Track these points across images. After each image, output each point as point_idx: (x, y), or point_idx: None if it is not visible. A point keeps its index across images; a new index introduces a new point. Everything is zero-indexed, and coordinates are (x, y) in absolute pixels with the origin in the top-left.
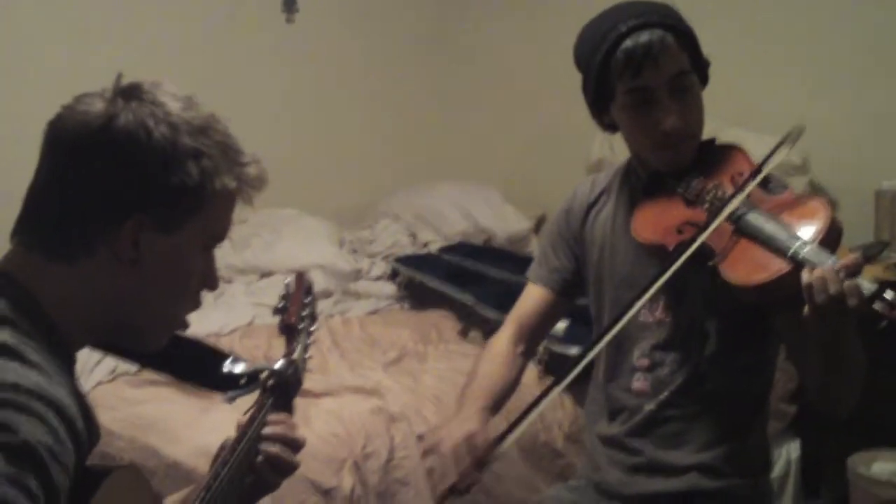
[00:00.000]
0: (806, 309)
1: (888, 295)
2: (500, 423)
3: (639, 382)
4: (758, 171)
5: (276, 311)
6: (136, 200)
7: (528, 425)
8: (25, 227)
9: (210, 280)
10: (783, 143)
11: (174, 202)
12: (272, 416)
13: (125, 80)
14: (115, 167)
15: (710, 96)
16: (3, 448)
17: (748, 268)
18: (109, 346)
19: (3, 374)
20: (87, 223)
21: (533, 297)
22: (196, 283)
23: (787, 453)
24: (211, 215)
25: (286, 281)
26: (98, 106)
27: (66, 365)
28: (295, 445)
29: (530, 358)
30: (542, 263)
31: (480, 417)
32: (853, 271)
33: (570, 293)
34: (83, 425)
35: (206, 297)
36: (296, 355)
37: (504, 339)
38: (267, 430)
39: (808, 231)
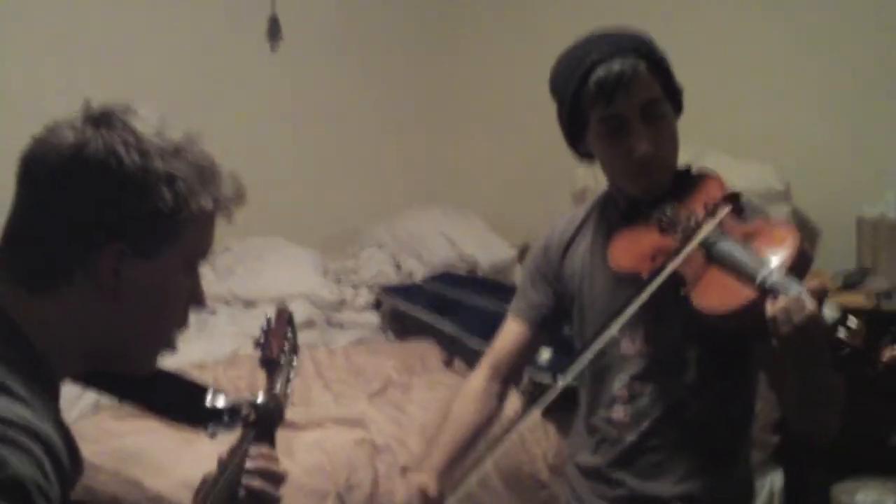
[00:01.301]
0: (773, 339)
1: (851, 323)
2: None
3: (619, 413)
4: (730, 197)
5: (258, 345)
6: (111, 228)
7: (476, 475)
8: (5, 258)
9: (196, 297)
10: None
11: (151, 228)
12: (254, 450)
13: (96, 106)
14: (87, 196)
15: (691, 121)
16: None
17: (717, 295)
18: (93, 376)
19: None
20: (63, 254)
21: (512, 331)
22: (182, 302)
23: (771, 483)
24: (190, 237)
25: (267, 315)
26: (68, 134)
27: (51, 397)
28: (277, 479)
29: (507, 393)
30: (522, 298)
31: (437, 473)
32: (818, 297)
33: (547, 327)
34: (67, 459)
35: (191, 324)
36: (277, 389)
37: (480, 377)
38: (249, 464)
39: (776, 258)
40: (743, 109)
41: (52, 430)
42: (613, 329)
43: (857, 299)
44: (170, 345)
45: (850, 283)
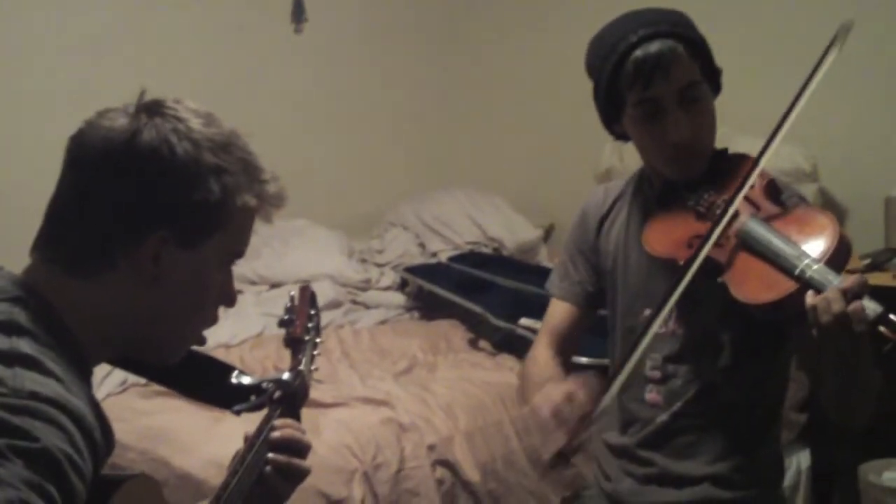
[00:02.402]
0: (813, 330)
1: (893, 317)
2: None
3: (651, 394)
4: (768, 184)
5: (282, 323)
6: (159, 216)
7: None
8: (46, 240)
9: (228, 296)
10: (832, 45)
11: (196, 218)
12: (279, 422)
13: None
14: (139, 183)
15: (719, 104)
16: (23, 454)
17: (755, 286)
18: (122, 359)
19: (22, 382)
20: (108, 238)
21: (559, 311)
22: (214, 298)
23: (798, 463)
24: (231, 232)
25: (291, 293)
26: (121, 121)
27: (84, 377)
28: (303, 449)
29: (568, 368)
30: (564, 278)
31: (571, 379)
32: (858, 293)
33: (593, 304)
34: (100, 435)
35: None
36: (302, 367)
37: (542, 349)
38: (274, 435)
39: (815, 249)
40: (770, 90)
41: (85, 406)
42: (659, 320)
43: (885, 279)
44: (199, 340)
45: (878, 262)
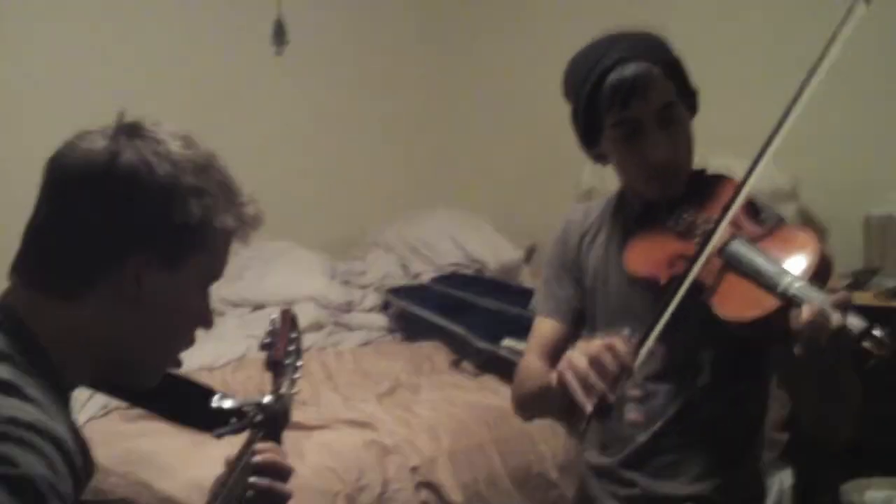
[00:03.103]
0: (796, 347)
1: (877, 332)
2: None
3: (632, 413)
4: (747, 204)
5: (263, 346)
6: (139, 238)
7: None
8: (25, 262)
9: (205, 318)
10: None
11: (176, 240)
12: (260, 446)
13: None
14: (119, 204)
15: (697, 122)
16: (4, 480)
17: (739, 304)
18: (103, 383)
19: (2, 408)
20: (88, 260)
21: (546, 328)
22: (192, 321)
23: (780, 482)
24: (210, 254)
25: (272, 317)
26: (100, 143)
27: (63, 401)
28: (284, 473)
29: None
30: (549, 296)
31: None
32: (842, 308)
33: (579, 322)
34: (80, 460)
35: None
36: (284, 390)
37: (533, 359)
38: (256, 459)
39: (797, 266)
40: (749, 109)
41: (65, 431)
42: (650, 345)
43: (866, 298)
44: (176, 362)
45: (859, 282)
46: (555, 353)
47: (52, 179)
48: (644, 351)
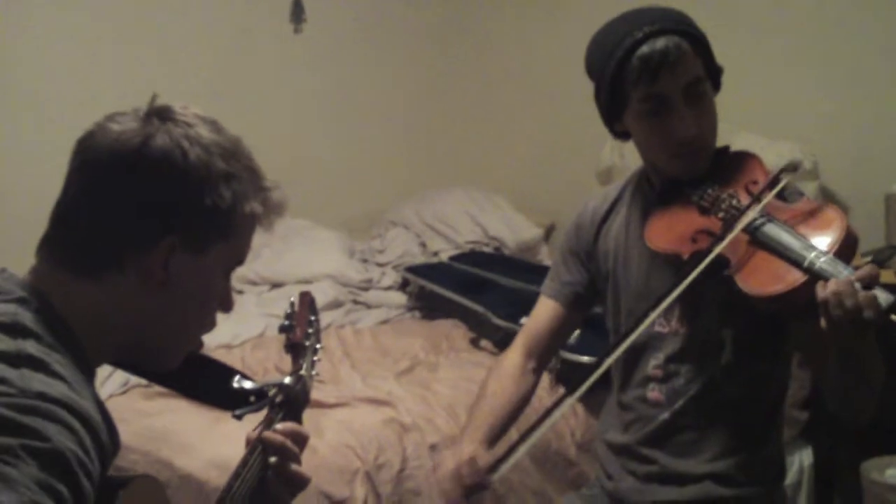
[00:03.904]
0: (822, 321)
1: None
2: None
3: (653, 392)
4: (774, 181)
5: (282, 329)
6: (170, 221)
7: (527, 448)
8: (53, 242)
9: (226, 302)
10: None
11: (206, 224)
12: (280, 426)
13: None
14: (151, 187)
15: (719, 100)
16: (36, 454)
17: (764, 278)
18: (123, 362)
19: (30, 382)
20: (118, 241)
21: (545, 310)
22: (215, 304)
23: (800, 460)
24: (236, 238)
25: (291, 299)
26: (132, 125)
27: (88, 378)
28: (301, 439)
29: (542, 372)
30: (555, 278)
31: (481, 442)
32: (869, 283)
33: (581, 307)
34: (107, 436)
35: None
36: (303, 372)
37: (515, 354)
38: (276, 439)
39: (823, 242)
40: (771, 87)
41: (92, 407)
42: (657, 313)
43: (887, 276)
44: (197, 344)
45: (879, 260)
46: (543, 341)
47: (82, 160)
48: (509, 463)
